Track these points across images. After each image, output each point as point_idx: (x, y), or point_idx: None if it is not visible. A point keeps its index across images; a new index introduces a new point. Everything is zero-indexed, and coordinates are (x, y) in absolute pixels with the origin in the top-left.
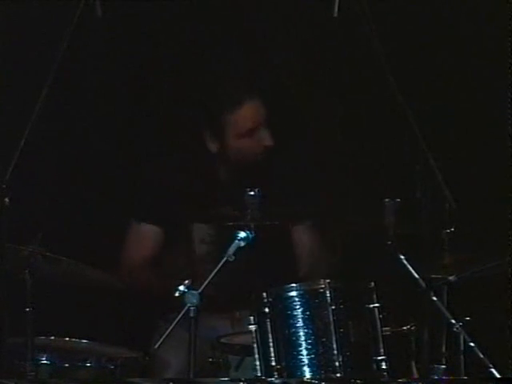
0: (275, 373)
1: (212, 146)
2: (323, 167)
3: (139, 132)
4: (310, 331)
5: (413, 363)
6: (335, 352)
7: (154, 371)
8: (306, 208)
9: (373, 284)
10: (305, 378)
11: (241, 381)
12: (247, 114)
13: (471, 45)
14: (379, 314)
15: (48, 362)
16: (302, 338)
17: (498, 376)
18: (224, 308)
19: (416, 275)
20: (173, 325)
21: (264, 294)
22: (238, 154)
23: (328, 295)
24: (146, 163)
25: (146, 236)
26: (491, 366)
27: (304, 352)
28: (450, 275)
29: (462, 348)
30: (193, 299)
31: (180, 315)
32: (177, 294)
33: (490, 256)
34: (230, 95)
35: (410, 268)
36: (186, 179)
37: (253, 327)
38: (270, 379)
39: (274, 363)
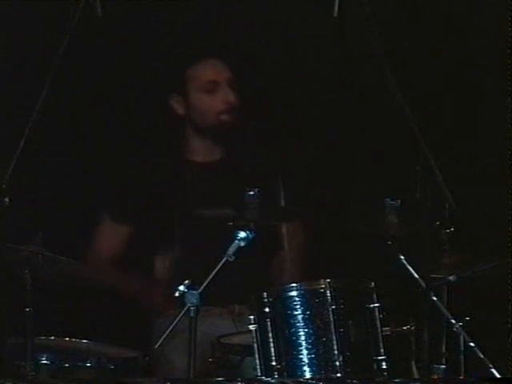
0: (275, 372)
1: (178, 107)
2: (323, 167)
3: (140, 130)
4: (310, 331)
5: (413, 363)
6: (335, 352)
7: (154, 371)
8: (306, 208)
9: (373, 284)
10: (305, 378)
11: (241, 381)
12: (207, 67)
13: (472, 44)
14: (379, 314)
15: (48, 362)
16: (302, 338)
17: (498, 376)
18: (224, 307)
19: (416, 275)
20: (173, 325)
21: (264, 294)
22: (201, 111)
23: (328, 295)
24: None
25: (114, 235)
26: (491, 365)
27: (304, 352)
28: (450, 275)
29: (462, 348)
30: (193, 299)
31: (180, 315)
32: (177, 294)
33: (490, 256)
34: (191, 51)
35: (410, 268)
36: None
37: (253, 327)
38: (269, 379)
39: (274, 363)
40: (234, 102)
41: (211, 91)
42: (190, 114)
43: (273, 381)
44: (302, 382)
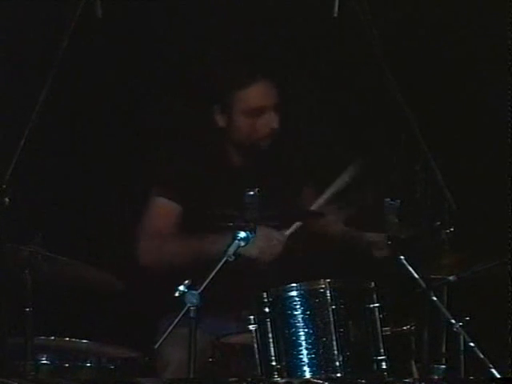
0: (275, 372)
1: (220, 120)
2: (323, 167)
3: (137, 131)
4: (310, 331)
5: (413, 363)
6: (335, 352)
7: (154, 371)
8: (306, 208)
9: (373, 284)
10: (308, 378)
11: (241, 381)
12: (258, 91)
13: (472, 44)
14: (379, 314)
15: (48, 362)
16: (302, 338)
17: (498, 376)
18: (225, 308)
19: (416, 275)
20: (173, 325)
21: (264, 294)
22: (244, 132)
23: (328, 295)
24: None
25: (165, 210)
26: (491, 365)
27: (304, 352)
28: (450, 275)
29: (462, 348)
30: (193, 299)
31: (180, 315)
32: (177, 294)
33: (490, 256)
34: (244, 71)
35: (410, 268)
36: (194, 158)
37: (253, 327)
38: (272, 379)
39: (274, 363)
40: (276, 127)
41: (256, 116)
42: (230, 130)
43: (280, 381)
44: (305, 381)
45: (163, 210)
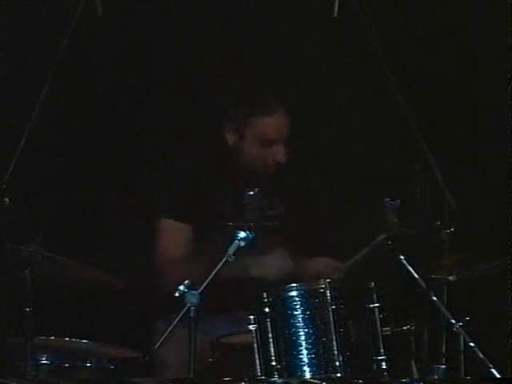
0: (275, 372)
1: (230, 138)
2: (322, 167)
3: (137, 131)
4: (310, 331)
5: (413, 363)
6: (335, 352)
7: (154, 371)
8: (305, 208)
9: (373, 284)
10: (305, 378)
11: (241, 381)
12: (274, 124)
13: (472, 44)
14: (379, 314)
15: (48, 362)
16: (302, 338)
17: (498, 376)
18: (225, 308)
19: (416, 275)
20: (172, 325)
21: (264, 294)
22: (251, 158)
23: (328, 295)
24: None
25: (177, 232)
26: (491, 365)
27: (304, 352)
28: (450, 275)
29: (462, 348)
30: (193, 299)
31: (180, 315)
32: (177, 294)
33: (490, 256)
34: (265, 101)
35: (410, 268)
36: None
37: (253, 327)
38: (270, 379)
39: (274, 363)
40: (283, 161)
41: (267, 145)
42: (238, 151)
43: (278, 381)
44: (304, 381)
45: (175, 232)
